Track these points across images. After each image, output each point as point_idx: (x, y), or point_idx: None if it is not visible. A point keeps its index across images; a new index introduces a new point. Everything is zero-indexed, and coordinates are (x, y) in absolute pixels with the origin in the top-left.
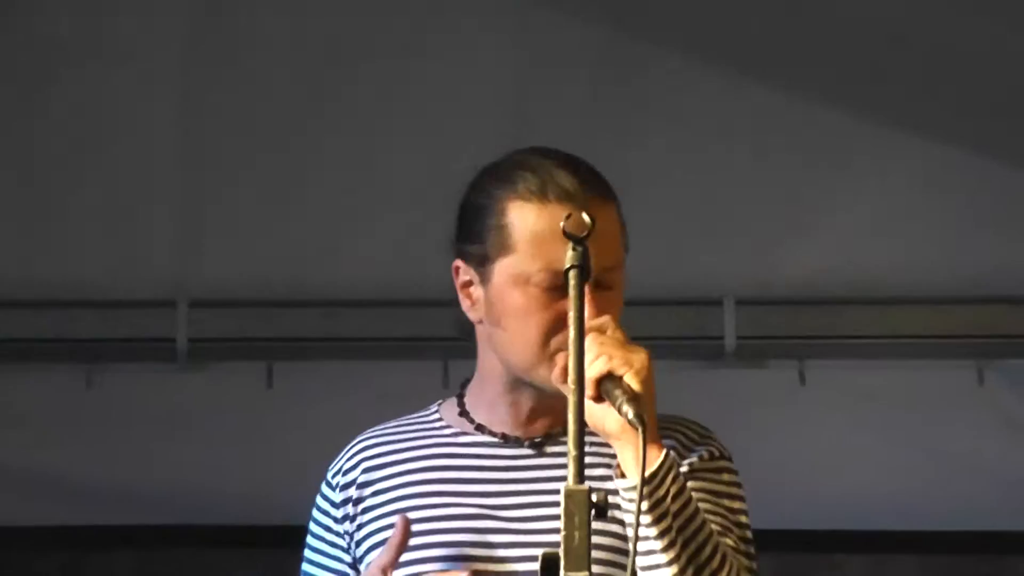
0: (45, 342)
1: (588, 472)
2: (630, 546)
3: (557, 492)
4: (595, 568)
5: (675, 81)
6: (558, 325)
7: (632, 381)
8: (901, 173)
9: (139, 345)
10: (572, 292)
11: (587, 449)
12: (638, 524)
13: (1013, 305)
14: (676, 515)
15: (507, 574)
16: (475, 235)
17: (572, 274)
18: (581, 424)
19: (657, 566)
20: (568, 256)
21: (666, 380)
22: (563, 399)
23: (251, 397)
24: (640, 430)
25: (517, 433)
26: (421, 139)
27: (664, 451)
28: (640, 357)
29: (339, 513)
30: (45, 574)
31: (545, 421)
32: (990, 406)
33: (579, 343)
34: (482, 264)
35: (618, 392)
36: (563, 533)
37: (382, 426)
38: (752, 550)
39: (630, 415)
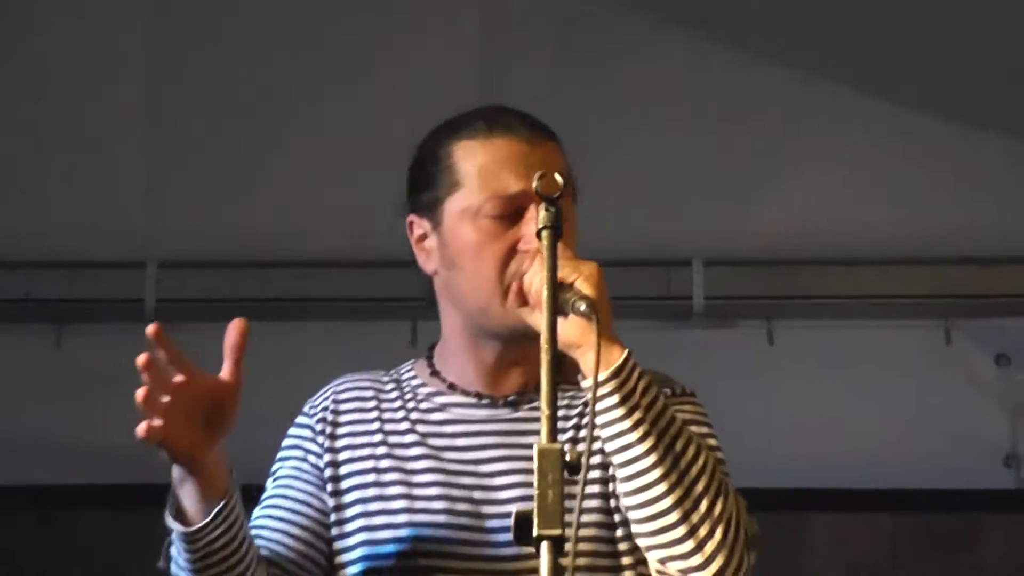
0: (14, 302)
1: (562, 428)
2: (583, 446)
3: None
4: (586, 520)
5: (643, 42)
6: (511, 254)
7: (583, 286)
8: (869, 134)
9: (108, 306)
10: (545, 252)
11: (560, 404)
12: (594, 413)
13: (980, 265)
14: (648, 408)
15: (487, 530)
16: (424, 183)
17: (545, 235)
18: (554, 383)
19: (636, 458)
20: (540, 217)
21: (635, 340)
22: (528, 351)
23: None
24: (594, 318)
25: (490, 391)
26: (390, 100)
27: (626, 350)
28: (590, 265)
29: (319, 439)
30: (14, 533)
31: (515, 377)
32: (957, 365)
33: (552, 304)
34: (432, 209)
35: (570, 294)
36: (536, 491)
37: (356, 375)
38: (726, 470)
39: (582, 308)
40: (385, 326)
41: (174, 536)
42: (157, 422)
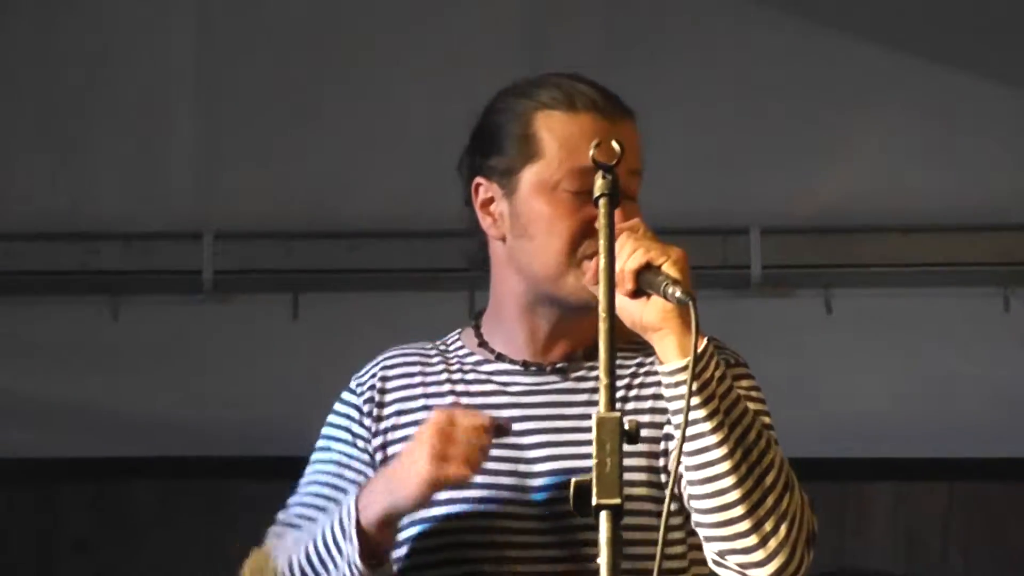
0: (71, 274)
1: (597, 383)
2: (677, 432)
3: (582, 417)
4: (631, 490)
5: (699, 9)
6: (586, 231)
7: (671, 270)
8: (927, 101)
9: (165, 277)
10: (602, 220)
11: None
12: (689, 403)
13: None
14: (723, 397)
15: (536, 502)
16: (498, 148)
17: (603, 203)
18: (612, 352)
19: (707, 448)
20: (598, 185)
21: None
22: (581, 321)
23: (277, 329)
24: (692, 305)
25: (538, 359)
26: (441, 70)
27: (705, 337)
28: (677, 249)
29: (366, 420)
30: (74, 505)
31: (564, 345)
32: (1017, 333)
33: (610, 273)
34: (506, 176)
35: (660, 278)
36: (595, 460)
37: (403, 347)
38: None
39: (678, 294)
40: (441, 297)
41: (353, 555)
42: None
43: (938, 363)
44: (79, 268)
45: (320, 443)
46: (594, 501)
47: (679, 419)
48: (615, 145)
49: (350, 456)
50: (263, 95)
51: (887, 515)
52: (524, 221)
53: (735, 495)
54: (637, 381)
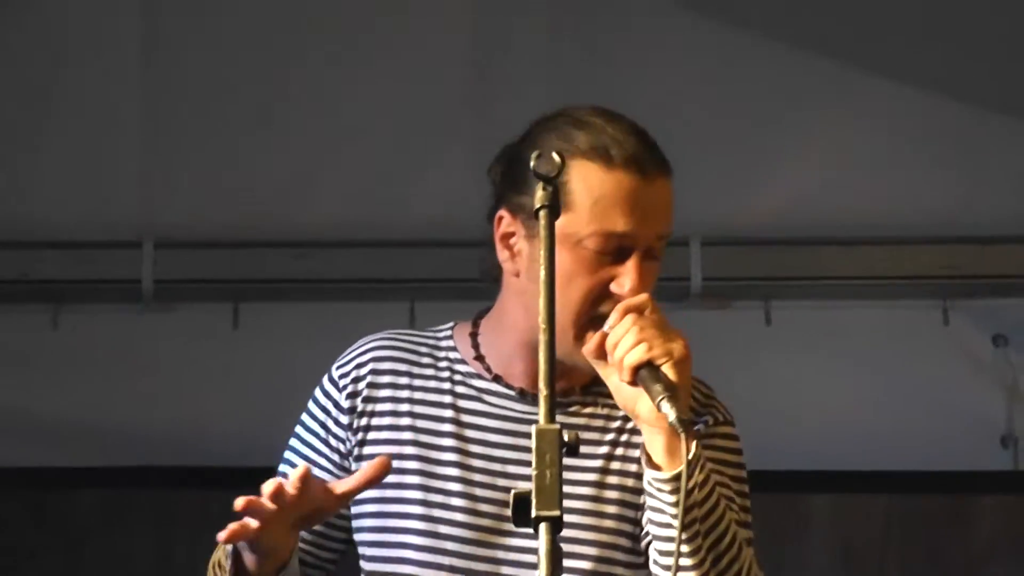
0: (10, 283)
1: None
2: (669, 547)
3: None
4: (592, 551)
5: (640, 20)
6: (602, 292)
7: (671, 372)
8: (868, 112)
9: (105, 286)
10: (543, 232)
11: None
12: (682, 530)
13: (979, 245)
14: (701, 504)
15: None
16: (528, 188)
17: (542, 214)
18: (552, 363)
19: (679, 554)
20: (538, 196)
21: None
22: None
23: (217, 338)
24: (683, 436)
25: (534, 390)
26: (389, 79)
27: (696, 444)
28: (679, 345)
29: (344, 419)
30: (9, 515)
31: (562, 382)
32: (956, 346)
33: (549, 285)
34: (532, 218)
35: (658, 387)
36: (535, 472)
37: (396, 334)
38: (750, 519)
39: (671, 418)
40: (384, 308)
41: None
42: (253, 524)
43: (877, 375)
44: (19, 277)
45: (297, 430)
46: (533, 513)
47: (656, 517)
48: (555, 157)
49: (319, 453)
50: (208, 103)
51: (825, 528)
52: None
53: None
54: (623, 439)
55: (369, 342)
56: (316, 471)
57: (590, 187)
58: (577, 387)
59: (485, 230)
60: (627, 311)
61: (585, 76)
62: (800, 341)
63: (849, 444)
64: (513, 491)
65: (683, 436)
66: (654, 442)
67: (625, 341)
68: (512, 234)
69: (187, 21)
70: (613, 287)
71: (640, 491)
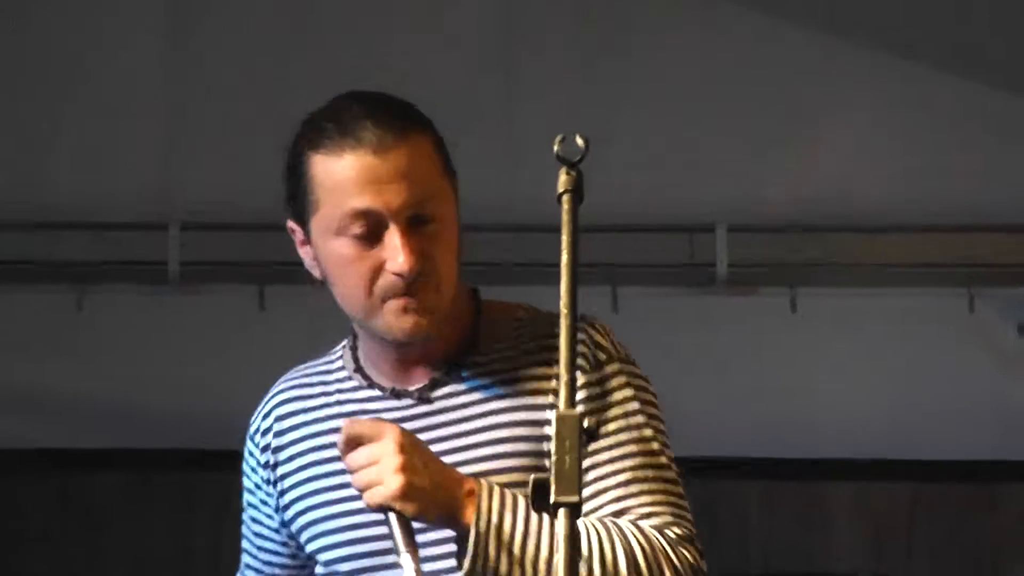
0: (36, 264)
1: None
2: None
3: (446, 442)
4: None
5: (667, 7)
6: (376, 272)
7: (403, 507)
8: (894, 101)
9: (130, 268)
10: (564, 217)
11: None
12: None
13: (1004, 233)
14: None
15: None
16: (292, 194)
17: (565, 199)
18: (572, 349)
19: None
20: (560, 180)
21: (658, 307)
22: (427, 348)
23: (243, 320)
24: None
25: (403, 385)
26: (408, 72)
27: (472, 524)
28: (393, 480)
29: (264, 474)
30: (33, 495)
31: (422, 368)
32: (980, 333)
33: (572, 269)
34: (304, 223)
35: (397, 534)
36: (554, 457)
37: (295, 373)
38: (669, 467)
39: (409, 573)
40: None
41: None
42: None
43: (902, 363)
44: (44, 258)
45: (244, 495)
46: (552, 498)
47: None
48: (579, 140)
49: (257, 508)
50: (232, 86)
51: (851, 515)
52: (324, 267)
53: None
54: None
55: (274, 391)
56: (266, 531)
57: (326, 180)
58: (441, 370)
59: None
60: (344, 445)
61: (608, 67)
62: (825, 328)
63: (874, 432)
64: (533, 476)
65: (404, 556)
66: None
67: (357, 483)
68: (304, 241)
69: (211, 6)
70: (388, 266)
71: (536, 423)
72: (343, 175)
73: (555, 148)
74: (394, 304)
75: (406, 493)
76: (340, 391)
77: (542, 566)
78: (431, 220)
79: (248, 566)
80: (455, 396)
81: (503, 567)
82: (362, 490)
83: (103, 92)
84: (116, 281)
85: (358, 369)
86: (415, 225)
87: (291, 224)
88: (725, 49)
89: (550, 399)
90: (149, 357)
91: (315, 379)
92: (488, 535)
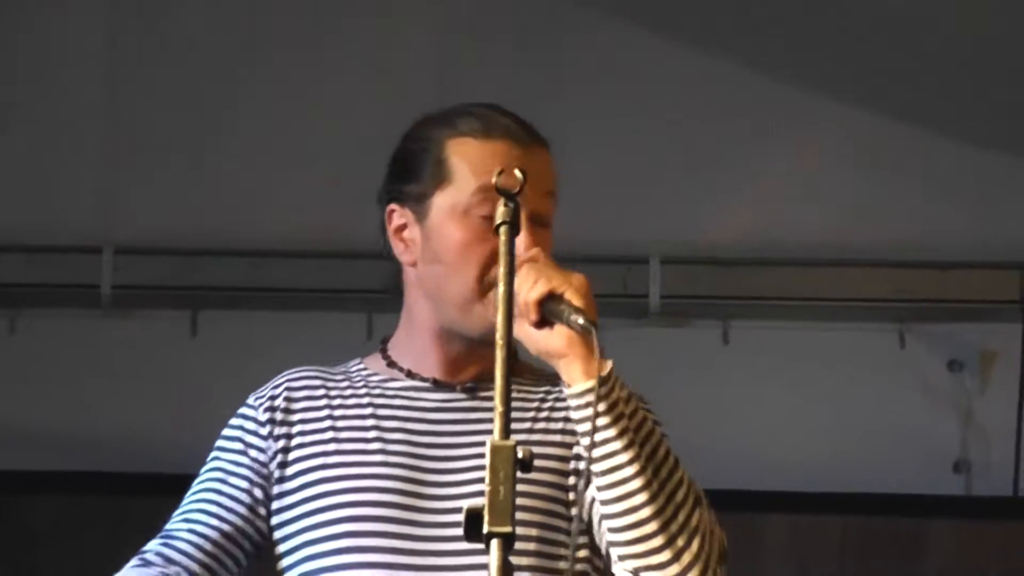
0: None
1: (515, 423)
2: (585, 452)
3: (483, 435)
4: (534, 517)
5: (603, 41)
6: (496, 258)
7: (573, 297)
8: (828, 137)
9: (63, 291)
10: (502, 248)
11: (515, 398)
12: (596, 422)
13: (935, 270)
14: (631, 416)
15: (433, 518)
16: (412, 174)
17: (503, 230)
18: (508, 379)
19: (619, 467)
20: (499, 212)
21: None
22: (491, 348)
23: (175, 345)
24: (594, 331)
25: (448, 378)
26: (348, 91)
27: (610, 361)
28: (579, 276)
29: (262, 430)
30: None
31: (474, 368)
32: (911, 369)
33: (508, 301)
34: (419, 201)
35: (563, 307)
36: (488, 488)
37: (304, 368)
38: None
39: (580, 321)
40: (341, 318)
41: None
42: None
43: (833, 397)
44: None
45: (211, 455)
46: (485, 529)
47: (588, 440)
48: (518, 173)
49: (238, 464)
50: (169, 110)
51: (781, 548)
52: (435, 247)
53: (647, 511)
54: (547, 406)
55: (282, 374)
56: (233, 481)
57: (469, 158)
58: (488, 373)
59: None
60: (521, 264)
61: (549, 95)
62: (757, 361)
63: (804, 465)
64: (466, 506)
65: (595, 335)
66: (572, 369)
67: (525, 284)
68: (404, 226)
69: (150, 28)
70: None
71: (566, 458)
72: (487, 156)
73: (494, 180)
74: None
75: (587, 286)
76: (368, 384)
77: (644, 433)
78: (546, 226)
79: (188, 519)
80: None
81: (622, 406)
82: (537, 281)
83: (40, 113)
84: (49, 304)
85: (391, 364)
86: (535, 224)
87: (393, 207)
88: (659, 84)
89: (576, 439)
90: (82, 380)
91: (335, 371)
92: (618, 378)
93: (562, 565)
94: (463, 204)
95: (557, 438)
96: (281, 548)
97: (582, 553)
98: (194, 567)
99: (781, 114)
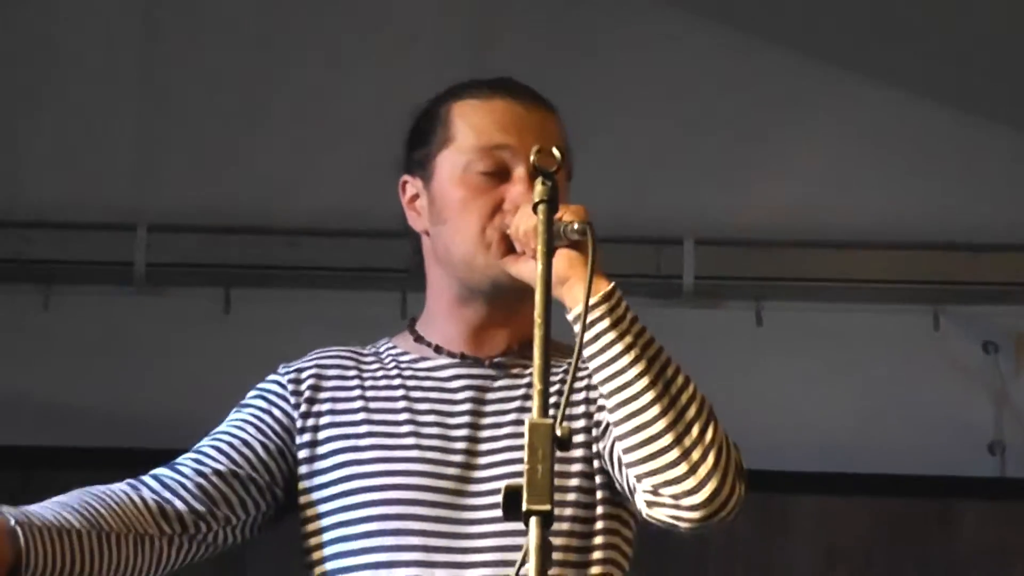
0: (2, 263)
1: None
2: (619, 382)
3: (512, 414)
4: (569, 496)
5: (637, 21)
6: (496, 211)
7: (570, 215)
8: (863, 117)
9: (97, 268)
10: (540, 228)
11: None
12: (585, 322)
13: (971, 251)
14: (638, 334)
15: (468, 494)
16: (418, 141)
17: (541, 209)
18: (547, 357)
19: (629, 383)
20: (536, 191)
21: None
22: (515, 313)
23: (208, 322)
24: (590, 233)
25: (475, 352)
26: (385, 71)
27: (612, 282)
28: (577, 206)
29: (291, 397)
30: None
31: (500, 339)
32: (944, 351)
33: (546, 279)
34: (424, 166)
35: (558, 226)
36: (527, 466)
37: (334, 347)
38: None
39: (575, 226)
40: (375, 296)
41: None
42: None
43: (866, 379)
44: (12, 256)
45: (232, 413)
46: (524, 507)
47: (594, 362)
48: (555, 152)
49: (259, 418)
50: (206, 89)
51: (811, 529)
52: (439, 207)
53: (661, 425)
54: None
55: (312, 352)
56: (251, 428)
57: (469, 117)
58: (516, 345)
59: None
60: (516, 205)
61: (579, 77)
62: (790, 342)
63: (836, 446)
64: (505, 484)
65: (590, 236)
66: (575, 291)
67: (523, 221)
68: (416, 196)
69: (186, 5)
70: (505, 205)
71: (589, 413)
72: (488, 115)
73: (531, 158)
74: (500, 235)
75: (583, 209)
76: (398, 363)
77: (652, 352)
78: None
79: (198, 452)
80: (525, 376)
81: (628, 324)
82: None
83: (74, 91)
84: (83, 281)
85: (419, 339)
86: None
87: (406, 178)
88: (695, 64)
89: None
90: (114, 357)
91: (364, 351)
92: (620, 295)
93: (596, 540)
94: (463, 161)
95: (582, 412)
96: (310, 527)
97: (604, 525)
98: (188, 498)
99: (817, 95)
